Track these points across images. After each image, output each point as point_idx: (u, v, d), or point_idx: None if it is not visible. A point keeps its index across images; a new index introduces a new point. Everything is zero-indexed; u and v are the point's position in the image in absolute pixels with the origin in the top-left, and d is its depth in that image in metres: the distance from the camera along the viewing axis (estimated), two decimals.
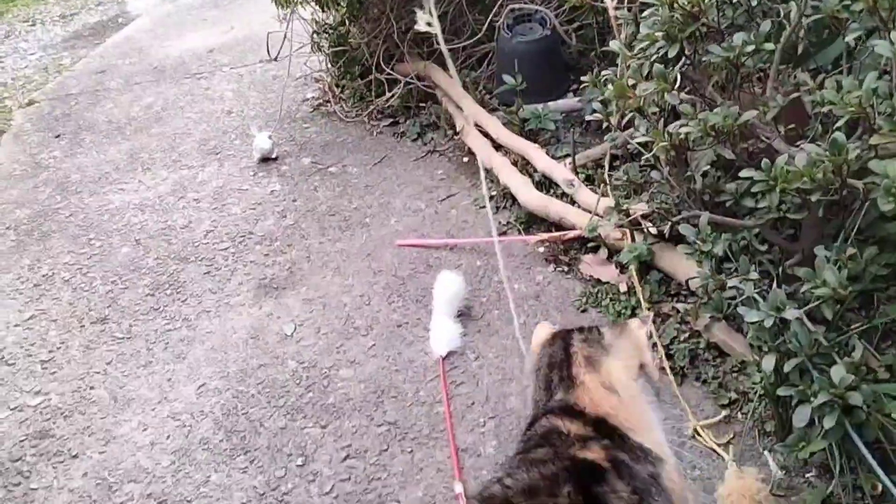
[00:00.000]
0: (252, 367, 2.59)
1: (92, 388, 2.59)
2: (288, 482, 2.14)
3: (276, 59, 4.55)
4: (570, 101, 3.66)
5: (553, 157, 3.24)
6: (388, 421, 2.29)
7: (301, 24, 4.25)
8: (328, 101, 4.44)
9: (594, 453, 1.17)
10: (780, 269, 2.10)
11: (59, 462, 2.31)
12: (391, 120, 4.10)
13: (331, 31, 4.23)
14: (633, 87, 2.03)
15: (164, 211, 3.63)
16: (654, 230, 2.48)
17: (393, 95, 4.06)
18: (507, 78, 3.52)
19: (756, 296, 1.81)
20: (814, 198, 1.67)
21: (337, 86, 4.50)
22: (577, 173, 3.05)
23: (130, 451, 2.32)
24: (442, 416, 2.26)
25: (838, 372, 1.56)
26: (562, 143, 3.40)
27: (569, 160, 3.15)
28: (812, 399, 1.58)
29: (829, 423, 1.52)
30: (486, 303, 2.71)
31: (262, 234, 3.34)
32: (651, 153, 2.06)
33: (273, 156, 3.93)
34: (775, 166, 1.71)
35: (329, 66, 4.41)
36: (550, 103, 3.58)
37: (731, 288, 1.91)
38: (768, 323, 1.69)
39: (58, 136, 4.63)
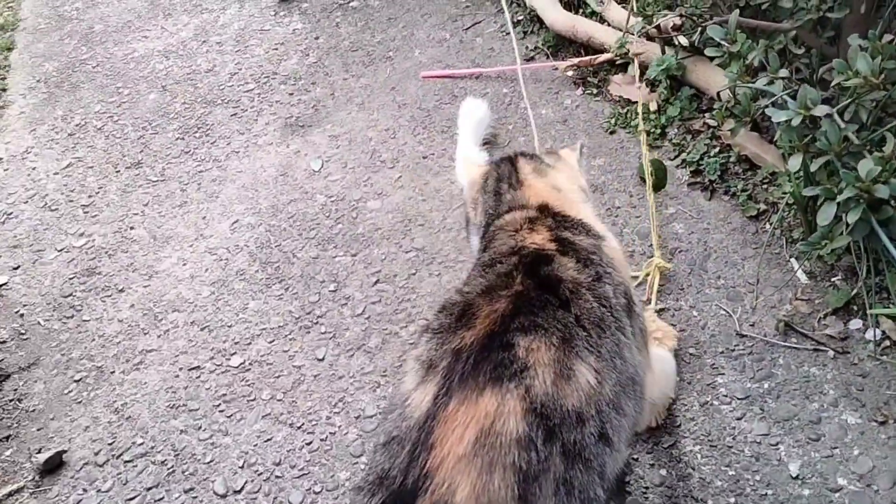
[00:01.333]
0: (282, 202, 2.62)
1: (132, 228, 2.68)
2: (322, 306, 2.22)
3: None
4: None
5: None
6: (416, 247, 2.33)
7: None
8: None
9: (540, 235, 1.21)
10: (816, 75, 1.99)
11: (107, 296, 2.43)
12: None
13: None
14: None
15: (187, 56, 3.58)
16: (684, 41, 2.35)
17: None
18: None
19: (786, 97, 1.72)
20: None
21: None
22: None
23: (172, 284, 2.42)
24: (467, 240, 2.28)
25: (865, 165, 1.50)
26: None
27: None
28: (837, 196, 1.53)
29: (852, 217, 1.48)
30: (511, 130, 2.66)
31: (285, 73, 3.29)
32: None
33: None
34: None
35: None
36: None
37: (759, 92, 1.82)
38: (796, 122, 1.62)
39: None
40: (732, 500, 1.54)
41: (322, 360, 2.07)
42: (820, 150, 1.63)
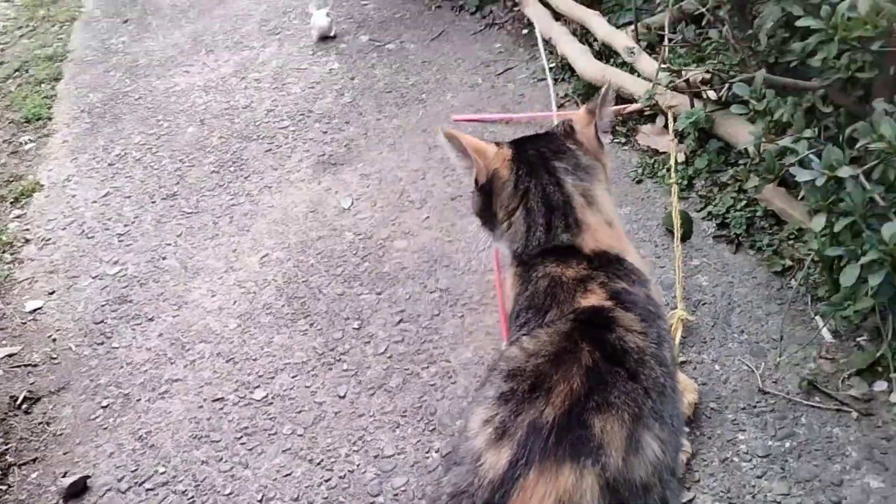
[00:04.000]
0: (311, 238, 2.68)
1: (164, 258, 2.74)
2: (345, 343, 2.25)
3: None
4: None
5: (615, 25, 3.11)
6: (441, 288, 2.36)
7: None
8: None
9: (596, 296, 1.21)
10: (843, 134, 2.00)
11: (136, 324, 2.49)
12: None
13: None
14: None
15: (226, 91, 3.69)
16: (713, 95, 2.38)
17: None
18: None
19: (812, 156, 1.74)
20: (875, 46, 1.56)
21: None
22: (638, 41, 2.93)
23: (201, 315, 2.47)
24: (492, 284, 2.31)
25: (890, 228, 1.51)
26: (624, 9, 3.24)
27: (631, 28, 3.02)
28: (861, 257, 1.53)
29: (875, 280, 1.49)
30: None
31: (320, 112, 3.37)
32: (712, 5, 1.94)
33: (331, 34, 3.90)
34: (836, 13, 1.59)
35: None
36: None
37: (787, 149, 1.84)
38: (820, 182, 1.63)
39: (125, 22, 4.69)
40: None
41: (343, 397, 2.09)
42: (845, 211, 1.64)
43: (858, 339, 1.86)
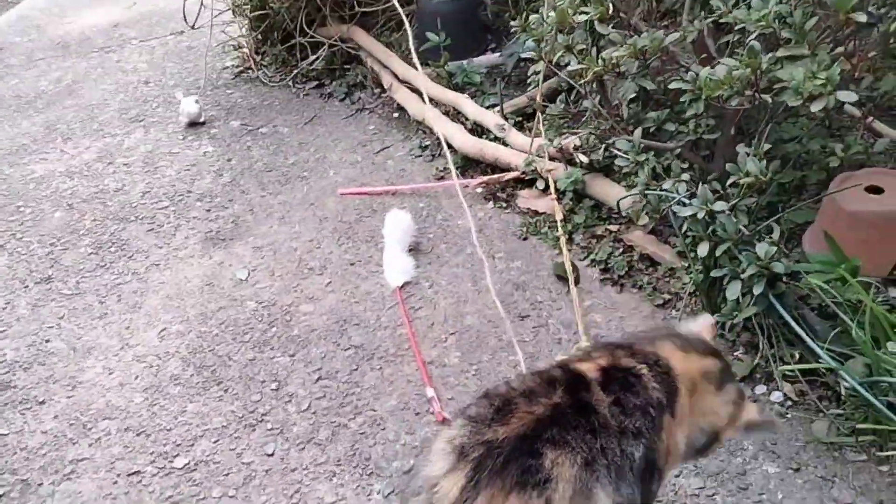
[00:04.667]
0: (211, 309, 2.66)
1: (48, 341, 2.60)
2: (265, 404, 2.24)
3: (193, 27, 4.51)
4: (491, 57, 3.86)
5: (481, 107, 3.43)
6: (355, 345, 2.43)
7: None
8: (249, 68, 4.47)
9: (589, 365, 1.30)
10: (701, 184, 2.37)
11: (26, 409, 2.32)
12: (317, 82, 4.18)
13: None
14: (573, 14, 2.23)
15: (93, 176, 3.60)
16: (585, 159, 2.71)
17: (317, 58, 4.15)
18: (430, 35, 3.69)
19: (685, 199, 2.06)
20: (733, 102, 1.91)
21: (257, 52, 4.52)
22: (506, 119, 3.26)
23: (100, 392, 2.36)
24: (405, 338, 2.41)
25: (762, 248, 1.82)
26: (488, 94, 3.59)
27: (497, 108, 3.35)
28: (742, 273, 1.83)
29: (758, 289, 1.79)
30: (433, 238, 2.88)
31: (200, 192, 3.38)
32: (584, 80, 2.26)
33: (201, 120, 3.94)
34: (700, 77, 1.95)
35: (250, 31, 4.43)
36: (474, 59, 3.78)
37: (663, 193, 2.15)
38: (700, 215, 1.94)
39: None
40: None
41: (272, 454, 2.08)
42: (721, 238, 1.95)
43: (736, 353, 2.16)
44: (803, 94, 1.76)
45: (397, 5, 3.72)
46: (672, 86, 2.10)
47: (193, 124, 3.94)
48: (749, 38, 1.89)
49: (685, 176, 2.15)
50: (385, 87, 3.87)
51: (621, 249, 2.59)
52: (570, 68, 2.34)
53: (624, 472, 1.19)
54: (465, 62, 3.70)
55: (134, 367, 2.44)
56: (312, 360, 2.39)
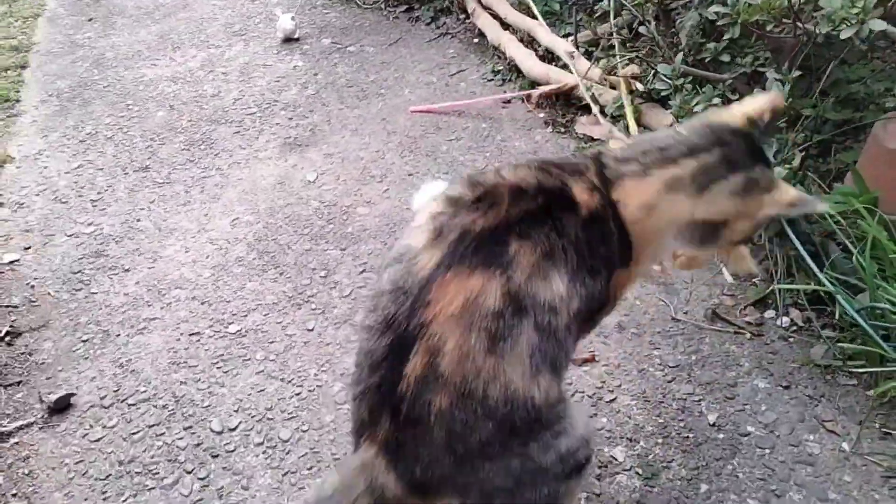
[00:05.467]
0: (279, 205, 2.92)
1: (138, 220, 2.94)
2: (313, 288, 2.49)
3: None
4: None
5: (557, 35, 3.49)
6: None
7: None
8: None
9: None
10: None
11: (113, 274, 2.67)
12: (406, 6, 4.33)
13: None
14: None
15: (195, 82, 3.92)
16: (641, 87, 2.75)
17: None
18: None
19: None
20: (770, 28, 1.93)
21: None
22: (577, 48, 3.31)
23: (175, 266, 2.68)
24: None
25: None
26: (566, 23, 3.63)
27: (571, 37, 3.40)
28: None
29: None
30: (489, 157, 3.01)
31: (286, 102, 3.63)
32: (643, 8, 2.31)
33: (295, 36, 4.19)
34: (739, 2, 1.97)
35: None
36: None
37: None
38: None
39: (90, 20, 4.88)
40: (660, 440, 1.83)
41: (311, 330, 2.33)
42: None
43: (754, 278, 2.22)
44: (835, 21, 1.77)
45: None
46: (711, 9, 2.13)
47: (289, 40, 4.19)
48: None
49: (717, 98, 2.18)
50: (469, 12, 3.97)
51: None
52: None
53: (583, 267, 1.28)
54: None
55: (207, 248, 2.75)
56: (360, 254, 2.61)
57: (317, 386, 2.13)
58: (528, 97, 3.18)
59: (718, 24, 2.18)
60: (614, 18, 3.03)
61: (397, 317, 1.21)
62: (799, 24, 1.93)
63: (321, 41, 4.16)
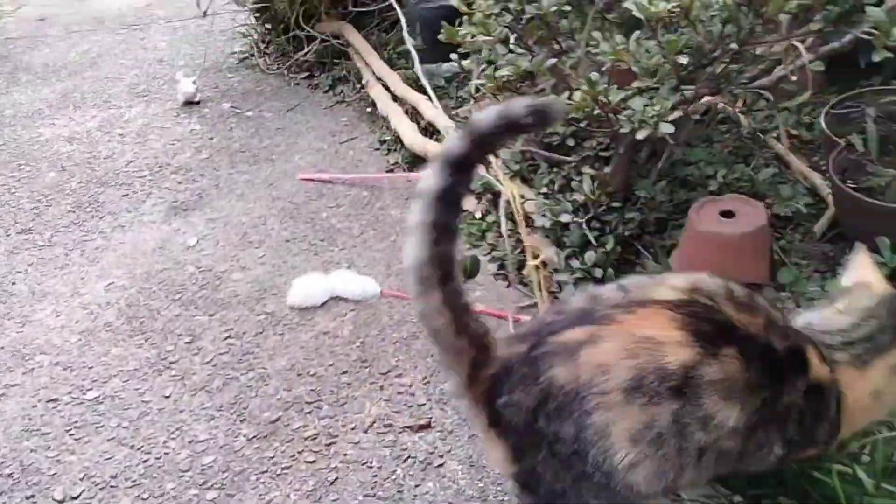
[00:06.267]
0: (156, 270, 2.99)
1: (13, 283, 2.97)
2: (176, 354, 2.56)
3: (205, 15, 4.88)
4: (468, 63, 4.10)
5: (440, 109, 3.68)
6: (267, 311, 2.72)
7: None
8: (254, 55, 4.82)
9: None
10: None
11: None
12: (308, 73, 4.50)
13: None
14: (473, 37, 2.48)
15: (90, 143, 3.98)
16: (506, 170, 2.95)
17: (309, 51, 4.46)
18: (406, 38, 3.95)
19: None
20: (583, 124, 2.14)
21: (263, 41, 4.88)
22: (457, 123, 3.51)
23: (44, 331, 2.71)
24: (309, 310, 2.70)
25: (590, 256, 2.05)
26: (452, 97, 3.84)
27: (454, 111, 3.61)
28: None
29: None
30: (364, 224, 3.15)
31: (178, 165, 3.73)
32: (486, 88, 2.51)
33: (196, 100, 4.30)
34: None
35: (253, 20, 4.77)
36: (444, 64, 4.03)
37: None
38: (548, 224, 2.17)
39: None
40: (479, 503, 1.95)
41: (168, 397, 2.39)
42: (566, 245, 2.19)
43: None
44: (635, 122, 1.98)
45: (396, 5, 4.03)
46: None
47: (189, 103, 4.30)
48: (604, 69, 2.11)
49: (586, 187, 2.36)
50: (363, 82, 4.15)
51: (520, 249, 2.82)
52: (473, 83, 2.59)
53: None
54: (434, 66, 3.95)
55: (77, 313, 2.79)
56: (227, 320, 2.70)
57: (164, 454, 2.19)
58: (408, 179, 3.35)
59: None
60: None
61: None
62: (616, 119, 2.14)
63: (221, 105, 4.28)
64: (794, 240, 2.66)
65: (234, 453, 2.17)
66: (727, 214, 2.35)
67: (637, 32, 2.12)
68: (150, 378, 2.47)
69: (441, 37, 2.65)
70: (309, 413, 2.29)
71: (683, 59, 1.93)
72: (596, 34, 2.30)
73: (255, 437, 2.22)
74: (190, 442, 2.22)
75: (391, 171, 3.52)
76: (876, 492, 1.52)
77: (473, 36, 2.37)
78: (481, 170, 3.06)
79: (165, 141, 3.95)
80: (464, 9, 2.50)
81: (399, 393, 2.34)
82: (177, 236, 3.19)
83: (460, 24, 2.53)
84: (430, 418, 2.22)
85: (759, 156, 2.89)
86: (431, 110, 3.63)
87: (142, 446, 2.22)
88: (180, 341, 2.62)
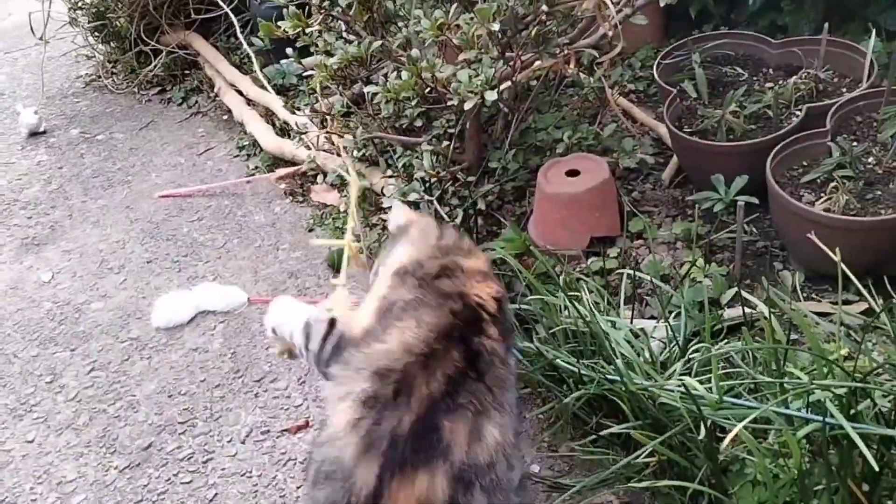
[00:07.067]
0: (9, 312, 2.83)
1: None
2: (37, 396, 2.44)
3: (42, 40, 4.62)
4: (308, 60, 4.05)
5: (297, 107, 3.62)
6: (132, 337, 2.62)
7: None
8: (100, 76, 4.61)
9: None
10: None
11: None
12: (159, 88, 4.35)
13: (88, 6, 4.38)
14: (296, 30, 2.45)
15: None
16: (357, 154, 2.93)
17: (156, 65, 4.31)
18: (254, 40, 3.86)
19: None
20: (413, 103, 2.15)
21: (109, 61, 4.67)
22: (312, 120, 3.46)
23: None
24: (177, 328, 2.62)
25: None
26: (304, 95, 3.79)
27: (308, 109, 3.55)
28: None
29: None
30: (228, 233, 3.08)
31: (26, 200, 3.53)
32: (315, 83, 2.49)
33: (41, 130, 4.08)
34: (388, 81, 2.17)
35: (93, 40, 4.56)
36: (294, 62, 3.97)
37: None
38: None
39: None
40: None
41: (32, 441, 2.27)
42: None
43: None
44: (462, 94, 2.00)
45: (230, 13, 3.91)
46: (367, 88, 2.33)
47: (34, 134, 4.08)
48: (426, 46, 2.12)
49: (426, 163, 2.36)
50: (216, 90, 4.05)
51: (387, 237, 2.82)
52: (306, 73, 2.57)
53: (507, 382, 1.35)
54: (285, 64, 3.89)
55: None
56: (90, 353, 2.58)
57: (31, 501, 2.08)
58: (282, 178, 3.29)
59: (374, 101, 2.39)
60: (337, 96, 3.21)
61: None
62: (442, 97, 2.16)
63: (69, 132, 4.09)
64: (645, 190, 2.77)
65: (106, 487, 2.09)
66: (573, 173, 2.42)
67: (453, 6, 2.13)
68: (11, 425, 2.34)
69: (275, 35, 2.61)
70: (182, 433, 2.23)
71: (495, 26, 1.96)
72: (417, 12, 2.31)
73: (126, 467, 2.14)
74: (58, 484, 2.12)
75: (252, 174, 3.44)
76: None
77: (296, 29, 2.33)
78: (335, 161, 3.05)
79: (11, 177, 3.74)
80: (281, 1, 2.47)
81: (275, 398, 2.30)
82: (30, 273, 3.03)
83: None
84: (308, 417, 2.20)
85: (604, 114, 2.98)
86: (284, 111, 3.57)
87: (6, 497, 2.10)
88: (41, 382, 2.49)
